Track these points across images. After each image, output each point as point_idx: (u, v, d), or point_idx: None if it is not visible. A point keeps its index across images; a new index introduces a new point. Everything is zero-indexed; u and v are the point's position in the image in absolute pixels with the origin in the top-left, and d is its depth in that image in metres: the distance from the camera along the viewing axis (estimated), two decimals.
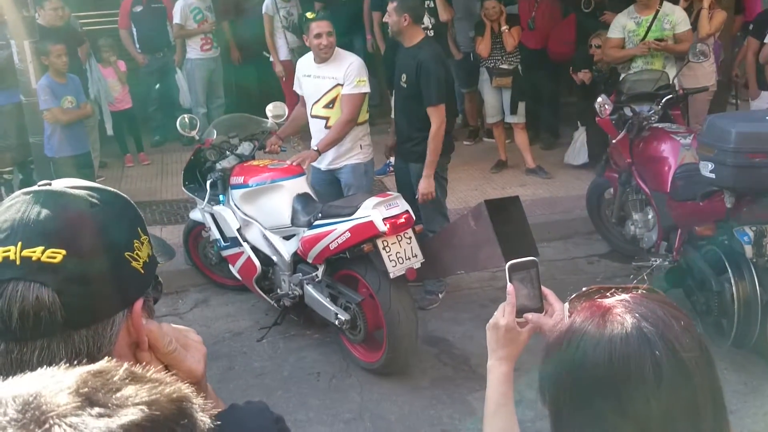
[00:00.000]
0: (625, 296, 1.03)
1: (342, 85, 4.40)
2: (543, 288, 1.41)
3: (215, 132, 4.61)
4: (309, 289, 3.96)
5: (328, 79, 4.44)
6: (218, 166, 4.47)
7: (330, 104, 4.47)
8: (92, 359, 0.79)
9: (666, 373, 0.93)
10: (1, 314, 0.77)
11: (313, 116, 4.56)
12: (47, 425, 0.55)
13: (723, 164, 3.40)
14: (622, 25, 5.58)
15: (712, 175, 3.49)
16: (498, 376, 1.41)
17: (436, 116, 4.29)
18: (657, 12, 5.43)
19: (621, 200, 4.86)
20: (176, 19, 7.21)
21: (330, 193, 4.54)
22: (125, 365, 0.63)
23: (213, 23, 7.38)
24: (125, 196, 0.92)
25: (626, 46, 5.58)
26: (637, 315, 0.98)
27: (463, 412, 3.53)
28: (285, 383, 3.86)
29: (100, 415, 0.56)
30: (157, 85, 7.61)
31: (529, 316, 1.38)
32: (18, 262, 0.78)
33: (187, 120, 4.61)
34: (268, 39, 7.23)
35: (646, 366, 0.93)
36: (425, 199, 4.36)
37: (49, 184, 0.86)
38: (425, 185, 4.34)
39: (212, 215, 4.49)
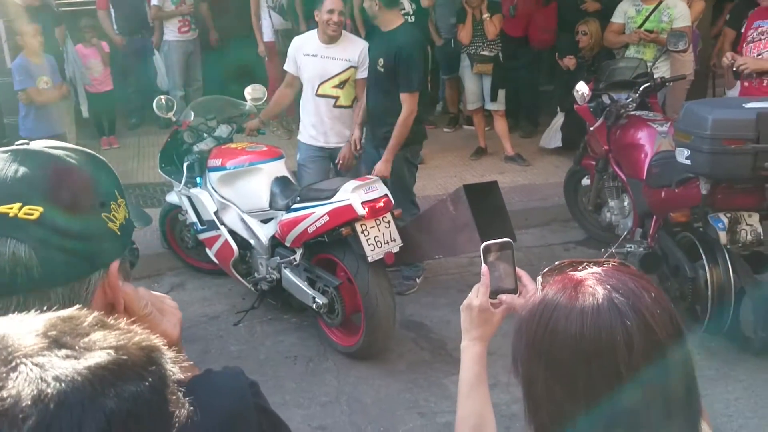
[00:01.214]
0: (596, 269, 1.03)
1: (356, 68, 4.48)
2: (517, 269, 1.40)
3: (193, 114, 4.55)
4: (287, 272, 3.94)
5: (340, 61, 4.48)
6: (195, 148, 4.43)
7: (341, 84, 4.52)
8: None
9: (637, 343, 0.94)
10: None
11: (318, 95, 4.56)
12: (13, 364, 0.55)
13: (699, 151, 3.42)
14: (624, 11, 5.67)
15: (688, 162, 3.52)
16: (471, 356, 1.41)
17: (409, 103, 4.28)
18: (660, 3, 5.46)
19: (597, 187, 4.90)
20: (154, 0, 7.12)
21: (318, 170, 4.59)
22: (95, 313, 0.63)
23: (191, 5, 7.31)
24: (102, 158, 0.91)
25: (625, 32, 5.63)
26: (608, 286, 0.98)
27: (440, 396, 3.54)
28: (261, 367, 3.85)
29: (67, 357, 0.56)
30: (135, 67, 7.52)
31: (503, 296, 1.38)
32: None
33: (163, 101, 4.55)
34: (254, 19, 7.16)
35: (617, 336, 0.94)
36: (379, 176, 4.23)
37: (27, 143, 0.85)
38: (382, 168, 4.30)
39: (189, 198, 4.45)
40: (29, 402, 0.54)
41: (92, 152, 0.90)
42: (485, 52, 6.37)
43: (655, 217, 4.17)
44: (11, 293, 0.78)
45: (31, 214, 0.78)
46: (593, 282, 1.00)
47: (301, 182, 4.86)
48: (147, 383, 0.59)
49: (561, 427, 0.99)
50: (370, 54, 4.49)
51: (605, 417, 0.95)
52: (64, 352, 0.57)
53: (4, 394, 0.54)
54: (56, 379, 0.55)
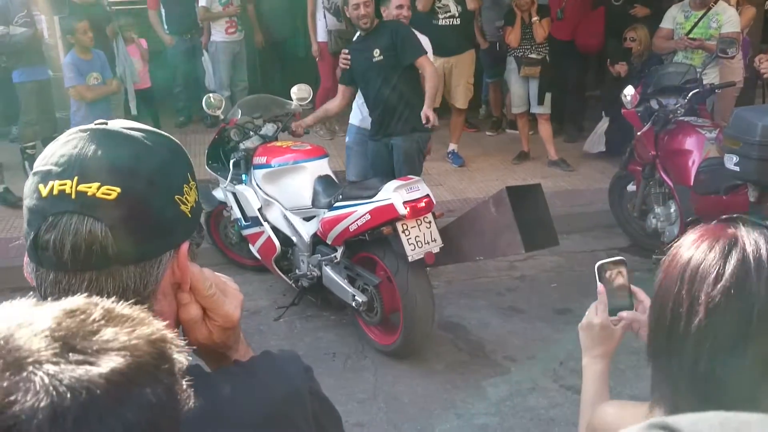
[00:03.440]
0: (734, 223, 1.00)
1: None
2: (632, 286, 1.43)
3: (240, 112, 4.64)
4: (327, 270, 3.98)
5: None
6: (242, 146, 4.50)
7: None
8: (138, 295, 0.81)
9: None
10: (54, 245, 0.79)
11: None
12: (24, 374, 0.52)
13: (748, 157, 3.37)
14: (673, 17, 5.63)
15: (737, 168, 3.46)
16: (593, 373, 1.44)
17: (428, 62, 4.49)
18: (709, 9, 5.39)
19: (644, 193, 4.83)
20: (202, 1, 7.26)
21: (364, 152, 4.81)
22: (102, 303, 0.61)
23: (238, 6, 7.43)
24: (177, 141, 0.93)
25: (674, 38, 5.57)
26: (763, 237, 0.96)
27: (477, 397, 3.54)
28: None
29: (79, 363, 0.54)
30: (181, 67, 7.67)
31: (624, 313, 1.41)
32: (73, 196, 0.79)
33: (212, 99, 4.65)
34: (309, 19, 7.26)
35: None
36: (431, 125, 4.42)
37: (105, 123, 0.87)
38: (432, 113, 4.36)
39: (234, 194, 4.52)
40: (45, 416, 0.51)
41: (168, 135, 0.92)
42: (533, 55, 6.34)
43: (702, 223, 4.09)
44: (85, 270, 0.79)
45: (109, 194, 0.79)
46: (742, 234, 0.97)
47: (348, 163, 4.96)
48: (162, 385, 0.58)
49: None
50: (362, 55, 4.58)
51: None
52: (76, 357, 0.54)
53: (17, 409, 0.50)
54: (72, 389, 0.52)
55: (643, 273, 4.78)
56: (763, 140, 3.29)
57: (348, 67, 4.69)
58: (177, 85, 7.80)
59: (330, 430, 0.98)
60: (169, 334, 0.62)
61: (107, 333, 0.57)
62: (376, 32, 4.55)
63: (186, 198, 0.87)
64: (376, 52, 4.48)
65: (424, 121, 4.37)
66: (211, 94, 4.77)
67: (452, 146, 6.78)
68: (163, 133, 0.91)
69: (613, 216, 5.38)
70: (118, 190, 0.79)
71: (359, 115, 4.90)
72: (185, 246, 0.87)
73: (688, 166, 4.22)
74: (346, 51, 4.76)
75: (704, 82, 4.75)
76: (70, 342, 0.55)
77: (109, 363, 0.55)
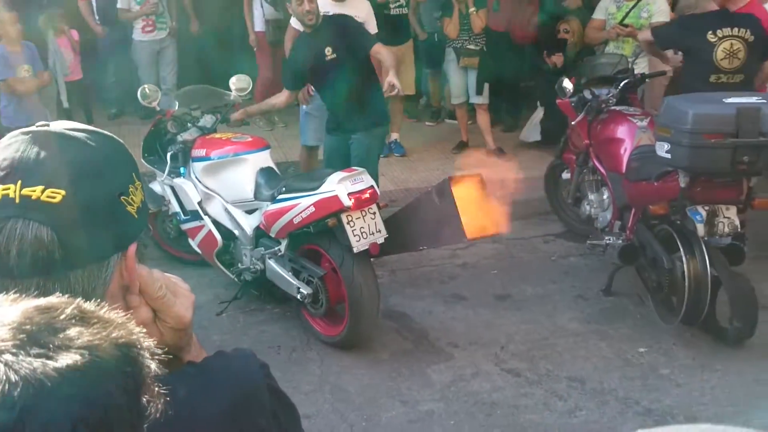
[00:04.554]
0: None
1: (365, 22, 4.82)
2: None
3: (177, 103, 4.55)
4: (271, 263, 3.95)
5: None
6: (179, 138, 4.41)
7: None
8: (87, 299, 0.80)
9: None
10: None
11: None
12: None
13: (679, 145, 3.48)
14: (605, 8, 5.77)
15: (668, 156, 3.58)
16: None
17: (382, 47, 4.46)
18: (640, 0, 5.54)
19: (578, 181, 4.96)
20: (119, 3, 7.05)
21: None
22: (75, 303, 0.61)
23: (154, 4, 7.15)
24: (120, 140, 0.92)
25: (606, 28, 5.71)
26: None
27: (421, 384, 3.59)
28: None
29: (38, 356, 0.54)
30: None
31: None
32: (17, 201, 0.77)
33: (147, 90, 4.54)
34: (246, 8, 7.13)
35: None
36: (395, 93, 4.37)
37: (47, 125, 0.85)
38: (396, 80, 4.28)
39: (172, 188, 4.44)
40: None
41: (111, 135, 0.91)
42: (471, 46, 6.42)
43: (633, 210, 4.24)
44: (32, 276, 0.78)
45: (54, 197, 0.78)
46: None
47: (304, 129, 4.84)
48: (119, 386, 0.57)
49: None
50: (310, 53, 4.49)
51: None
52: (36, 350, 0.54)
53: None
54: (24, 379, 0.53)
55: (577, 258, 4.95)
56: (693, 128, 3.41)
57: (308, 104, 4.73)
58: (109, 77, 7.57)
59: (289, 427, 0.98)
60: (143, 340, 0.62)
61: (72, 331, 0.57)
62: (323, 29, 4.46)
63: (132, 199, 0.86)
64: (328, 50, 4.40)
65: (387, 91, 4.27)
66: (146, 85, 4.67)
67: (394, 136, 6.83)
68: (106, 133, 0.90)
69: (548, 203, 5.51)
70: (63, 192, 0.78)
71: None
72: (133, 248, 0.86)
73: (620, 154, 4.35)
74: (313, 90, 4.69)
75: (635, 71, 4.90)
76: (35, 336, 0.56)
77: (66, 359, 0.55)
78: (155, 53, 7.32)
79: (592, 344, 3.90)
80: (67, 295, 0.77)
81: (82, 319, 0.59)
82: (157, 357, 0.63)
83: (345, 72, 4.44)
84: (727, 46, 4.33)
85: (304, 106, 5.07)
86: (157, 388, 0.62)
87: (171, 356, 0.94)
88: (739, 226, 3.71)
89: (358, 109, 4.50)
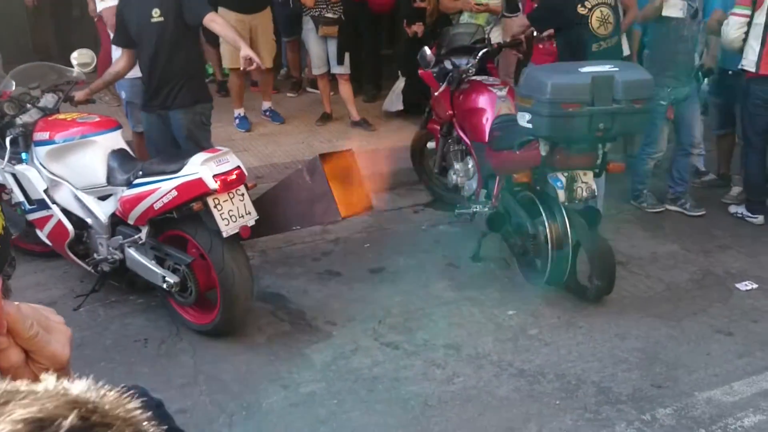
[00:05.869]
0: None
1: None
2: None
3: (13, 83, 4.11)
4: (131, 252, 3.70)
5: None
6: (18, 120, 4.01)
7: None
8: None
9: None
10: None
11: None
12: None
13: (539, 114, 3.60)
14: None
15: (530, 125, 3.69)
16: None
17: (217, 16, 4.12)
18: None
19: (443, 151, 5.03)
20: None
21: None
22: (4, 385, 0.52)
23: None
24: None
25: None
26: None
27: (301, 365, 3.52)
28: (108, 353, 3.62)
29: None
30: None
31: None
32: None
33: None
34: None
35: None
36: (255, 67, 4.04)
37: None
38: (252, 53, 3.94)
39: (14, 175, 4.04)
40: None
41: None
42: (329, 15, 6.29)
43: (498, 178, 4.36)
44: None
45: None
46: None
47: (131, 117, 4.73)
48: None
49: None
50: (136, 11, 4.12)
51: None
52: None
53: None
54: None
55: (446, 227, 5.05)
56: (553, 98, 3.53)
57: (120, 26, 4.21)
58: None
59: None
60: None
61: None
62: None
63: None
64: (156, 12, 4.03)
65: (245, 66, 3.94)
66: None
67: (266, 104, 6.62)
68: None
69: (415, 173, 5.57)
70: None
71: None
72: None
73: (483, 123, 4.44)
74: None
75: (492, 41, 5.00)
76: None
77: None
78: None
79: (465, 311, 4.00)
80: None
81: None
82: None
83: (169, 38, 4.08)
84: (598, 14, 4.51)
85: (123, 94, 4.65)
86: None
87: None
88: (595, 189, 3.90)
89: (178, 83, 4.16)
